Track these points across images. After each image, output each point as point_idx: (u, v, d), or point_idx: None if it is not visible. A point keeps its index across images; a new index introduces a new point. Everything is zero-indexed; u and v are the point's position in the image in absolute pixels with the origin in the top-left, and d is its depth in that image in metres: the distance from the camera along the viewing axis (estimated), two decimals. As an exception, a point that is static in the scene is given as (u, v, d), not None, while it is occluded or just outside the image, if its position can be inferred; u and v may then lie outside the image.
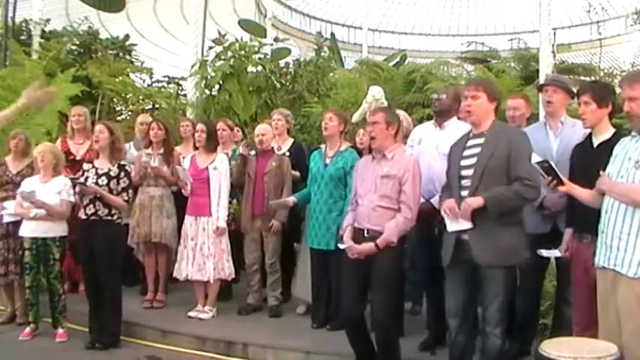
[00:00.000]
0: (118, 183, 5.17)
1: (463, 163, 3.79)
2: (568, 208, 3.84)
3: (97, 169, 5.20)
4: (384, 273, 4.06)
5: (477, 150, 3.74)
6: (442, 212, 3.79)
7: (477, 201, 3.60)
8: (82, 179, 5.17)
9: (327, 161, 5.21)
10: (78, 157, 6.13)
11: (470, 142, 3.83)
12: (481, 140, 3.75)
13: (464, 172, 3.77)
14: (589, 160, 3.60)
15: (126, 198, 5.23)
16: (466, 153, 3.80)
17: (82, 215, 5.17)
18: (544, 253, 3.96)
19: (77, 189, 5.15)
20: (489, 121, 3.79)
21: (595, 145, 3.71)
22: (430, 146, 4.64)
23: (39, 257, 5.27)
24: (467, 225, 3.65)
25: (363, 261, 4.10)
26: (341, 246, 4.31)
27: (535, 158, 3.60)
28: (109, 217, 5.15)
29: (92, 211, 5.10)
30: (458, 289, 3.82)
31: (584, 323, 3.63)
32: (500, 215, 3.60)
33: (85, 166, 5.33)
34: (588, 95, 3.69)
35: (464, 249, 3.71)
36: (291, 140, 6.23)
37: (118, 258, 5.28)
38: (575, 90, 4.20)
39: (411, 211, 4.05)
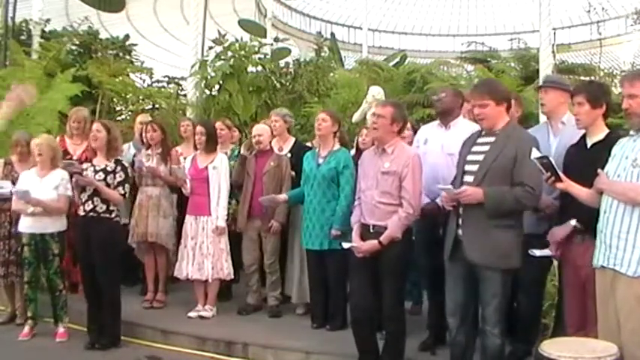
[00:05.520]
0: (115, 177, 5.15)
1: (469, 158, 3.81)
2: (560, 207, 3.83)
3: (94, 166, 5.19)
4: (393, 262, 4.10)
5: (486, 148, 3.74)
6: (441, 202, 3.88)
7: (477, 193, 3.61)
8: (77, 168, 5.11)
9: (320, 161, 5.21)
10: (75, 157, 6.10)
11: (480, 140, 3.84)
12: (491, 139, 3.76)
13: (468, 168, 3.79)
14: (582, 161, 3.60)
15: (122, 192, 5.18)
16: (474, 149, 3.82)
17: (80, 212, 5.14)
18: (536, 252, 3.94)
19: (73, 181, 5.10)
20: (503, 121, 3.77)
21: (589, 146, 3.71)
22: (436, 146, 4.61)
23: (38, 253, 5.25)
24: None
25: (370, 256, 4.13)
26: (345, 245, 4.32)
27: (535, 153, 3.58)
28: (107, 215, 5.12)
29: (90, 207, 5.07)
30: (456, 287, 3.84)
31: (577, 324, 3.64)
32: (495, 216, 3.61)
33: (85, 165, 5.30)
34: (582, 96, 3.69)
35: (460, 247, 3.73)
36: (293, 140, 6.21)
37: (115, 256, 5.20)
38: (571, 88, 4.18)
39: (412, 206, 4.08)
